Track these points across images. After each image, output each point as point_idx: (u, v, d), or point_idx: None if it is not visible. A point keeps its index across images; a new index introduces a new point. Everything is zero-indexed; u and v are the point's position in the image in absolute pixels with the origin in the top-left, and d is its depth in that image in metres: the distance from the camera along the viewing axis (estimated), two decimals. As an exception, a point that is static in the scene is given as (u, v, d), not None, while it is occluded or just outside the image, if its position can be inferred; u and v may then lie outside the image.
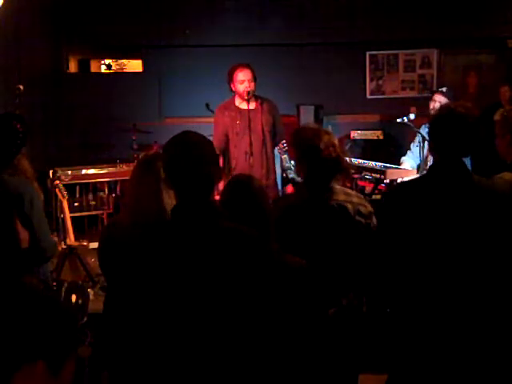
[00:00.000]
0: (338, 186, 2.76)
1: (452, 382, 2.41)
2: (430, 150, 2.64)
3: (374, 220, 2.78)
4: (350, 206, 2.71)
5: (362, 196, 3.04)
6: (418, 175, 3.63)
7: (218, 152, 4.65)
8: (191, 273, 1.94)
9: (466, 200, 2.40)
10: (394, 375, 2.61)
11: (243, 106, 4.78)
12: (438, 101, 4.94)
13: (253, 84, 4.76)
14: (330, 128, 5.21)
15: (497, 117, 2.96)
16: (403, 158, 5.23)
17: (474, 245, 2.38)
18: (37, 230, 2.81)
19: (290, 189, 5.29)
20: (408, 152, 5.25)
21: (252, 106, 4.83)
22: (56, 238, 3.29)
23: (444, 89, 5.07)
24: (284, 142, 4.70)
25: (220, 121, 4.85)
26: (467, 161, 3.90)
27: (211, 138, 4.24)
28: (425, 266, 2.42)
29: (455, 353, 2.39)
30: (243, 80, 4.73)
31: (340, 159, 2.71)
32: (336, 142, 2.74)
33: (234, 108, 4.83)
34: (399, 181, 4.48)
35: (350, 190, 2.85)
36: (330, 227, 2.69)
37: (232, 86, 4.81)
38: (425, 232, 2.42)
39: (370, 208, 2.81)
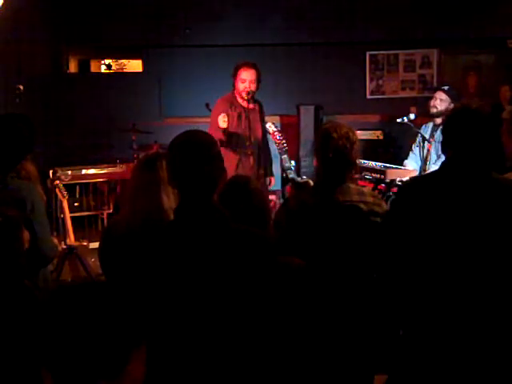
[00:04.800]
0: (352, 186, 2.73)
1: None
2: (443, 147, 2.48)
3: None
4: (363, 206, 2.67)
5: (378, 195, 3.00)
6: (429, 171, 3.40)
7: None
8: (197, 272, 1.93)
9: (482, 197, 2.32)
10: (395, 376, 2.59)
11: (244, 104, 4.79)
12: (439, 98, 4.96)
13: (254, 85, 4.76)
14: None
15: (505, 115, 2.94)
16: (406, 161, 5.21)
17: (489, 243, 2.30)
18: (37, 233, 2.80)
19: (289, 189, 5.29)
20: (410, 154, 5.25)
21: (251, 105, 4.84)
22: (56, 240, 3.28)
23: (446, 87, 5.08)
24: (284, 142, 4.70)
25: (218, 113, 4.72)
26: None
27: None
28: (436, 264, 2.35)
29: (463, 355, 2.34)
30: (245, 79, 4.74)
31: (349, 152, 2.67)
32: (353, 137, 2.70)
33: (239, 106, 4.82)
34: (410, 177, 4.37)
35: (364, 190, 2.81)
36: (341, 228, 2.67)
37: (234, 81, 4.82)
38: (437, 230, 2.34)
39: (385, 207, 2.77)
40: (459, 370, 2.34)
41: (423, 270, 2.38)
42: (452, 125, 2.44)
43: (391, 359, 2.61)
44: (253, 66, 4.79)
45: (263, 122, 4.95)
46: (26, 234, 2.47)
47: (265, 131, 4.95)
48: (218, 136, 4.60)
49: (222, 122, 4.61)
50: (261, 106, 4.93)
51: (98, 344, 1.28)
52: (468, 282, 2.31)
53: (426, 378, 2.40)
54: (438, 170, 2.48)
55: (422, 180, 2.57)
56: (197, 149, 2.00)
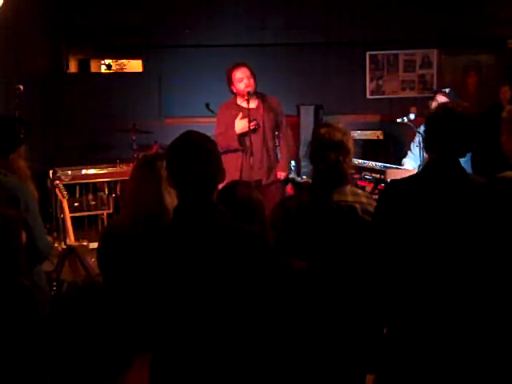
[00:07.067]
0: (347, 187, 2.76)
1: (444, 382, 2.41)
2: (425, 148, 2.58)
3: None
4: (358, 207, 2.71)
5: (371, 196, 3.03)
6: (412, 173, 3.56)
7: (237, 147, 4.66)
8: (196, 271, 1.94)
9: (460, 199, 2.41)
10: (383, 375, 2.61)
11: (244, 104, 4.70)
12: (440, 101, 4.95)
13: (252, 81, 4.68)
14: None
15: (504, 114, 2.94)
16: (404, 160, 5.23)
17: (467, 244, 2.38)
18: (32, 231, 2.80)
19: (290, 189, 5.28)
20: (408, 153, 5.26)
21: (253, 104, 4.75)
22: (51, 239, 3.27)
23: (447, 90, 5.08)
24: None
25: (222, 119, 4.77)
26: (468, 160, 3.87)
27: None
28: (417, 265, 2.42)
29: (449, 353, 2.38)
30: (242, 78, 4.67)
31: (341, 164, 2.69)
32: (348, 144, 2.71)
33: (236, 107, 4.76)
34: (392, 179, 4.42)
35: (359, 191, 2.84)
36: (338, 229, 2.69)
37: (232, 87, 4.75)
38: (418, 231, 2.43)
39: None
40: (443, 366, 2.37)
41: (408, 267, 2.44)
42: (434, 128, 2.50)
43: (378, 359, 2.63)
44: (243, 64, 4.73)
45: (275, 117, 4.88)
46: (23, 234, 2.47)
47: (273, 128, 4.88)
48: (229, 142, 4.62)
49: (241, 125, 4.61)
50: (263, 103, 4.79)
51: (97, 346, 1.28)
52: (450, 277, 2.38)
53: (412, 375, 2.43)
54: (421, 171, 2.57)
55: (405, 182, 2.61)
56: (195, 149, 2.01)
